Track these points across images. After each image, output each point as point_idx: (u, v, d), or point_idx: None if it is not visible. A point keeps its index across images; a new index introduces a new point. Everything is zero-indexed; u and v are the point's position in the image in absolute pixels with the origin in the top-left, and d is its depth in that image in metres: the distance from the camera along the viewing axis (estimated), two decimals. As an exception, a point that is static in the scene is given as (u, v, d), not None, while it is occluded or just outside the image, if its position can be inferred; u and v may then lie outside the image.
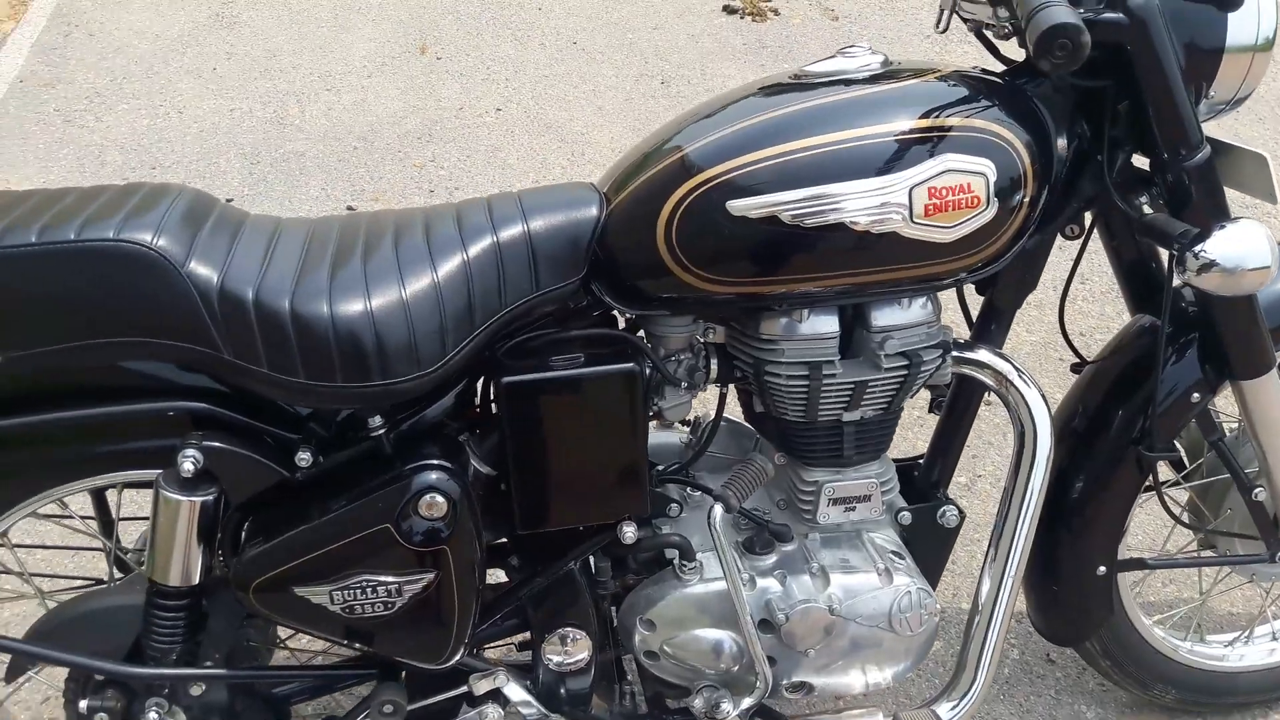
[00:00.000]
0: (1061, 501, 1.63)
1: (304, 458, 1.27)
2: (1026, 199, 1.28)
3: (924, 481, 1.59)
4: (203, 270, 1.18)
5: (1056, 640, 1.77)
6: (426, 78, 3.99)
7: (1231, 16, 1.28)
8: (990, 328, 1.51)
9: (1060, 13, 1.08)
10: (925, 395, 1.53)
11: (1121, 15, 1.22)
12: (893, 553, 1.46)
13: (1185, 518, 1.78)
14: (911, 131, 1.23)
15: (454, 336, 1.24)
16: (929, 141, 1.23)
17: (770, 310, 1.33)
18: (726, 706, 1.43)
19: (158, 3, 4.56)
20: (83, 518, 1.47)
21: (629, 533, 1.38)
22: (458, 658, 1.35)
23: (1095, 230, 1.52)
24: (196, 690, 1.36)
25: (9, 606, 1.89)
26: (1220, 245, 1.25)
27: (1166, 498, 1.63)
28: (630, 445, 1.32)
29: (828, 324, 1.34)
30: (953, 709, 1.52)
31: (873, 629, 1.43)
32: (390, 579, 1.26)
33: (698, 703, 1.44)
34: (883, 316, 1.35)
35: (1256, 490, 1.61)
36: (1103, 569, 1.65)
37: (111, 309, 1.16)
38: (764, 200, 1.22)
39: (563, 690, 1.47)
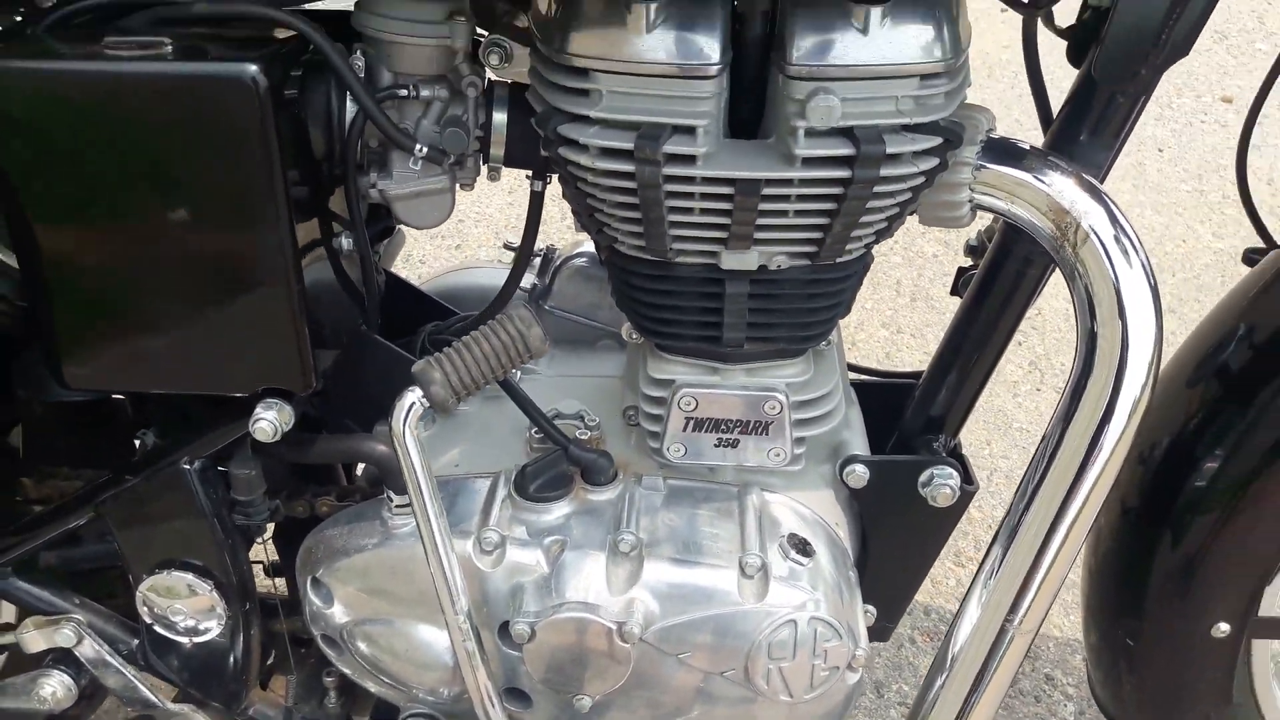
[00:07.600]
0: (1173, 482, 0.88)
1: None
2: None
3: (916, 417, 0.87)
4: None
5: (1121, 727, 1.03)
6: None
7: None
8: (1078, 135, 0.76)
9: None
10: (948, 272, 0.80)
11: None
12: (794, 540, 0.75)
13: None
14: None
15: None
16: None
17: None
18: (421, 765, 0.77)
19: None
20: None
21: (266, 421, 0.72)
22: None
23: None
24: None
25: None
26: None
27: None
28: (252, 237, 0.66)
29: (700, 41, 0.62)
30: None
31: (713, 677, 0.73)
32: None
33: None
34: (809, 40, 0.62)
35: None
36: (1225, 627, 0.90)
37: None
38: None
39: (187, 666, 0.84)
